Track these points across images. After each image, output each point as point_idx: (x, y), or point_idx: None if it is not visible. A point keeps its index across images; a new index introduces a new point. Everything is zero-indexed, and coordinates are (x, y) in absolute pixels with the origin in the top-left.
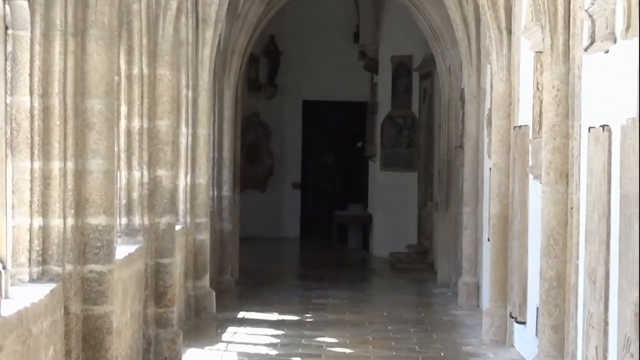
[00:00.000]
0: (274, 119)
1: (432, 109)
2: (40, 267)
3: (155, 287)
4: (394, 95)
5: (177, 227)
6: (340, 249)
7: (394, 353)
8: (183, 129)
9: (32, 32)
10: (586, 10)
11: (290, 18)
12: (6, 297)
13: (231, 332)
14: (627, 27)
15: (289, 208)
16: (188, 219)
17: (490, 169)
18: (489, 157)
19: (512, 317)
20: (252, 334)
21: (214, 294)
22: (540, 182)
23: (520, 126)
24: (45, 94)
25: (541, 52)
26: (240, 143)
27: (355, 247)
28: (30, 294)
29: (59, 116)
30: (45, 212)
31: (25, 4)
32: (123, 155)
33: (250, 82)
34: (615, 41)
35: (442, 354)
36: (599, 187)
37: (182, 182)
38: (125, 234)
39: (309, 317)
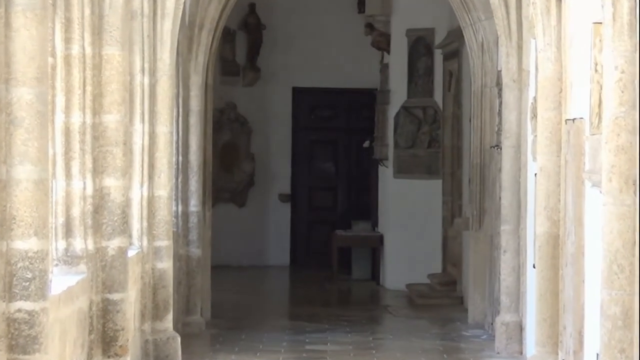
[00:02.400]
0: (256, 112)
1: (459, 98)
2: None
3: (102, 330)
4: (410, 81)
5: (131, 253)
6: (343, 280)
7: None
8: (137, 126)
9: None
10: None
11: None
12: None
13: None
14: None
15: (276, 228)
16: (145, 242)
17: (535, 174)
18: (534, 159)
19: None
20: None
21: (178, 338)
22: (601, 191)
23: (573, 119)
24: None
25: (600, 23)
26: (212, 144)
27: (361, 278)
28: None
29: None
30: None
31: None
32: (60, 160)
33: (224, 65)
34: None
35: None
36: None
37: (137, 194)
38: (63, 262)
39: None
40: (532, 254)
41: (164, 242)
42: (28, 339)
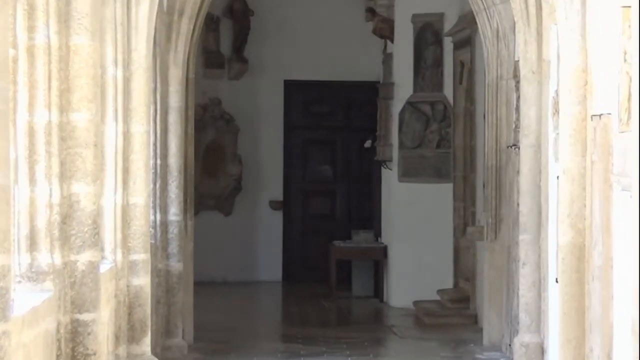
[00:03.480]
0: (243, 108)
1: (472, 92)
2: None
3: (72, 355)
4: (417, 73)
5: (103, 268)
6: (342, 297)
7: None
8: (110, 125)
9: None
10: None
11: None
12: None
13: None
14: None
15: (267, 238)
16: (119, 256)
17: (558, 177)
18: (556, 160)
19: None
20: None
21: None
22: (631, 196)
23: (600, 115)
24: None
25: (629, 6)
26: (194, 144)
27: (363, 295)
28: None
29: None
30: None
31: None
32: (23, 164)
33: (207, 56)
34: None
35: None
36: None
37: (110, 201)
38: (27, 278)
39: None
40: (555, 266)
41: (141, 256)
42: None
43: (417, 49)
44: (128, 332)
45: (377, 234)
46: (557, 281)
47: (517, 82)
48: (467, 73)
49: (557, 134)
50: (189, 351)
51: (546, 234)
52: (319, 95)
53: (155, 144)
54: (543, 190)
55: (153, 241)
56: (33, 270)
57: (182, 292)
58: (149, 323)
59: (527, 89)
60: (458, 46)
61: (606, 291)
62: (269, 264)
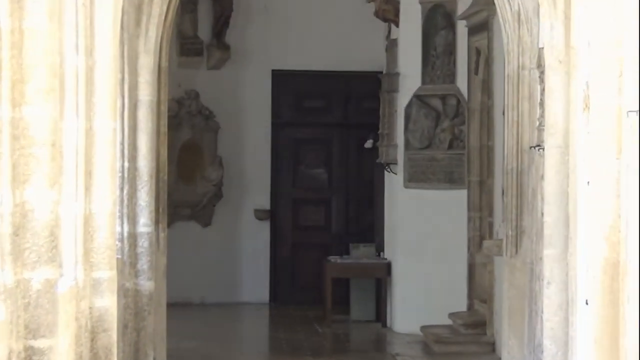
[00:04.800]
0: (225, 103)
1: (489, 84)
2: None
3: None
4: (425, 61)
5: (62, 287)
6: (339, 321)
7: None
8: (70, 122)
9: None
10: None
11: None
12: None
13: None
14: None
15: (251, 253)
16: (80, 273)
17: (588, 183)
18: (587, 163)
19: None
20: None
21: None
22: None
23: (637, 111)
24: None
25: None
26: (167, 144)
27: (363, 319)
28: None
29: None
30: None
31: None
32: None
33: (184, 42)
34: None
35: None
36: None
37: (70, 210)
38: None
39: None
40: (585, 286)
41: (105, 273)
42: None
43: (425, 34)
44: None
45: (379, 249)
46: (587, 303)
47: (542, 73)
48: (483, 62)
49: (588, 132)
50: None
51: (575, 248)
52: (313, 87)
53: (122, 144)
54: (571, 197)
55: (120, 256)
56: None
57: (154, 315)
58: (114, 351)
59: (553, 80)
60: (473, 31)
61: None
62: (254, 282)
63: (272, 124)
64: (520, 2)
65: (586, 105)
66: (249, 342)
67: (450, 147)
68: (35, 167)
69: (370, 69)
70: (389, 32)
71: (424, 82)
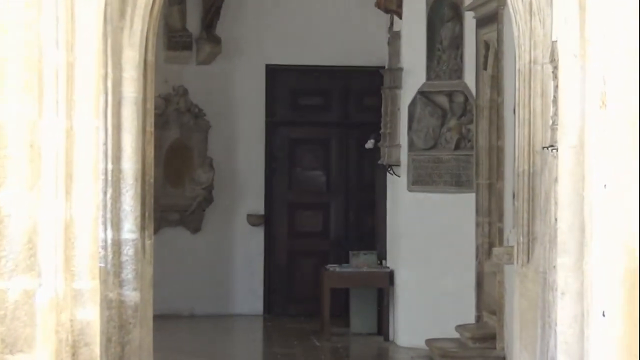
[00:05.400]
0: (215, 100)
1: (499, 80)
2: None
3: None
4: (431, 55)
5: (41, 298)
6: (338, 334)
7: None
8: (50, 121)
9: None
10: None
11: None
12: None
13: None
14: None
15: (244, 262)
16: (60, 283)
17: (605, 186)
18: (604, 165)
19: None
20: None
21: None
22: None
23: None
24: None
25: None
26: (154, 145)
27: (364, 332)
28: None
29: None
30: None
31: None
32: None
33: (171, 35)
34: None
35: None
36: None
37: (49, 215)
38: None
39: None
40: (602, 297)
41: (88, 283)
42: None
43: (431, 26)
44: None
45: (381, 257)
46: (604, 315)
47: (555, 68)
48: (492, 56)
49: (605, 131)
50: None
51: (591, 256)
52: (310, 83)
53: (105, 144)
54: (587, 201)
55: (103, 265)
56: None
57: (139, 328)
58: None
59: (568, 76)
60: (482, 23)
61: None
62: (247, 293)
63: (267, 122)
64: None
65: (603, 103)
66: (242, 357)
67: (457, 147)
68: (12, 169)
69: (371, 63)
70: (392, 24)
71: (429, 77)
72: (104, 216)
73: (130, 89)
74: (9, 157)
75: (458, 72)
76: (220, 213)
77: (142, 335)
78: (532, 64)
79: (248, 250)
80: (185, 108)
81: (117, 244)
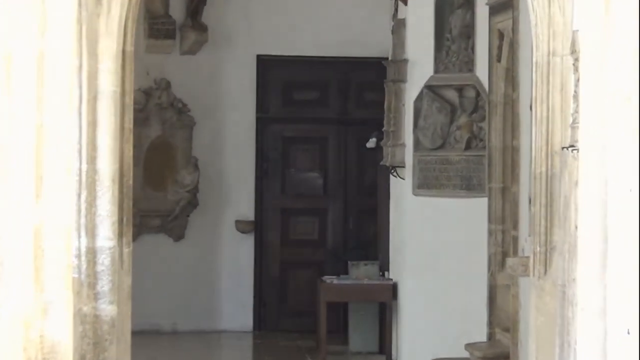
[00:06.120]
0: (201, 94)
1: (515, 74)
2: None
3: None
4: (439, 46)
5: (7, 312)
6: (336, 353)
7: None
8: (18, 117)
9: None
10: None
11: None
12: None
13: None
14: None
15: (232, 273)
16: (29, 296)
17: (631, 190)
18: (630, 167)
19: None
20: None
21: None
22: None
23: None
24: None
25: None
26: (133, 143)
27: (364, 350)
28: None
29: None
30: None
31: None
32: None
33: (153, 22)
34: None
35: None
36: None
37: (17, 221)
38: None
39: None
40: (626, 313)
41: (59, 295)
42: None
43: (439, 13)
44: None
45: (384, 267)
46: (629, 333)
47: (576, 60)
48: (507, 47)
49: (631, 130)
50: None
51: (615, 267)
52: (305, 76)
53: (79, 143)
54: (610, 207)
55: (76, 275)
56: None
57: (116, 346)
58: None
59: (590, 68)
60: (495, 10)
61: None
62: (235, 307)
63: (257, 119)
64: None
65: (629, 98)
66: None
67: (467, 147)
68: None
69: (373, 54)
70: (396, 10)
71: (436, 70)
72: (78, 222)
73: (107, 82)
74: None
75: (469, 64)
76: (206, 219)
77: (119, 353)
78: (550, 55)
79: (237, 259)
80: (168, 103)
81: (92, 253)
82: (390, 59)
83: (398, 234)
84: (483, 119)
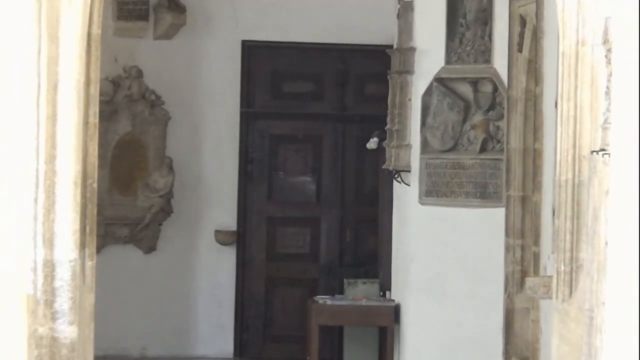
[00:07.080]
0: (177, 84)
1: (538, 66)
2: None
3: None
4: (451, 33)
5: None
6: None
7: None
8: None
9: None
10: None
11: None
12: None
13: None
14: None
15: (211, 290)
16: None
17: None
18: None
19: None
20: None
21: None
22: None
23: None
24: None
25: None
26: (98, 140)
27: None
28: None
29: None
30: None
31: None
32: None
33: (123, 2)
34: None
35: None
36: None
37: None
38: None
39: None
40: None
41: (11, 315)
42: None
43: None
44: None
45: (385, 287)
46: None
47: (609, 51)
48: (530, 36)
49: None
50: None
51: None
52: (297, 65)
53: (37, 139)
54: None
55: (31, 292)
56: None
57: None
58: None
59: (625, 61)
60: None
61: None
62: (214, 330)
63: (242, 114)
64: None
65: None
66: None
67: (483, 149)
68: None
69: (375, 41)
70: None
71: (448, 61)
72: (34, 230)
73: (70, 69)
74: None
75: (486, 55)
76: (181, 228)
77: None
78: (579, 45)
79: (215, 275)
80: (139, 94)
81: (50, 266)
82: (395, 47)
83: (402, 248)
84: (501, 117)
